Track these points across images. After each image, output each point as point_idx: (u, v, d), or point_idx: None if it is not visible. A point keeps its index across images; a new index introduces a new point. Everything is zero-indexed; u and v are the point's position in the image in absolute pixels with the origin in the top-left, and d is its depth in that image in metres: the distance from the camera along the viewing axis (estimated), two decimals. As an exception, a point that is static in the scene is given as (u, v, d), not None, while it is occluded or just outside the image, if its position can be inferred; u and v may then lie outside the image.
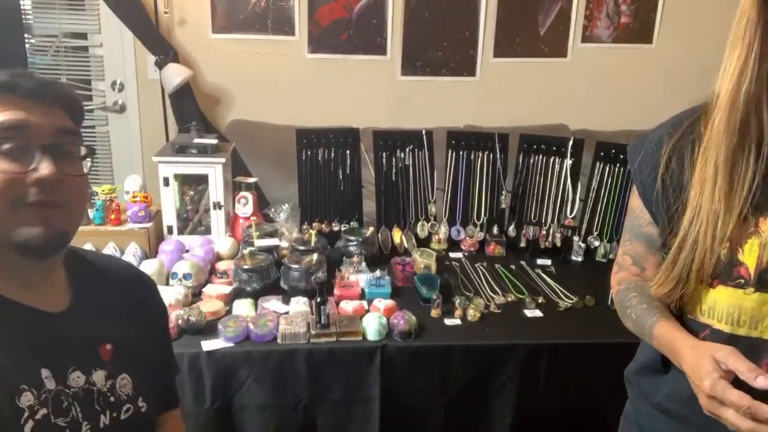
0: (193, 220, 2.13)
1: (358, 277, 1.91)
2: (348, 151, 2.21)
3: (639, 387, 1.18)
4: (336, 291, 1.84)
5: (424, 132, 2.24)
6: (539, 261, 2.17)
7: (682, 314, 1.06)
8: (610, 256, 2.16)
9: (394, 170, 2.24)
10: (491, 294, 1.91)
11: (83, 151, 0.90)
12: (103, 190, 2.01)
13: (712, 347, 0.92)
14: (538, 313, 1.83)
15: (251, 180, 2.19)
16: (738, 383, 0.86)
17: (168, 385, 1.13)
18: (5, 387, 0.80)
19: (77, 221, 0.92)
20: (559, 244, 2.21)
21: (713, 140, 0.97)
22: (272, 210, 2.14)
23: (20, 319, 0.85)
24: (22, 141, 0.83)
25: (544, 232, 2.22)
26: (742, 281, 0.96)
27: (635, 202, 1.13)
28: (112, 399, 0.91)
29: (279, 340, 1.62)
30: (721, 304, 0.99)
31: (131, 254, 1.92)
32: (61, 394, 0.85)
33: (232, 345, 1.61)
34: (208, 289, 1.83)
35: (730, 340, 0.97)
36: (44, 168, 0.82)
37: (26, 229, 0.82)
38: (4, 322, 0.84)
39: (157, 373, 1.04)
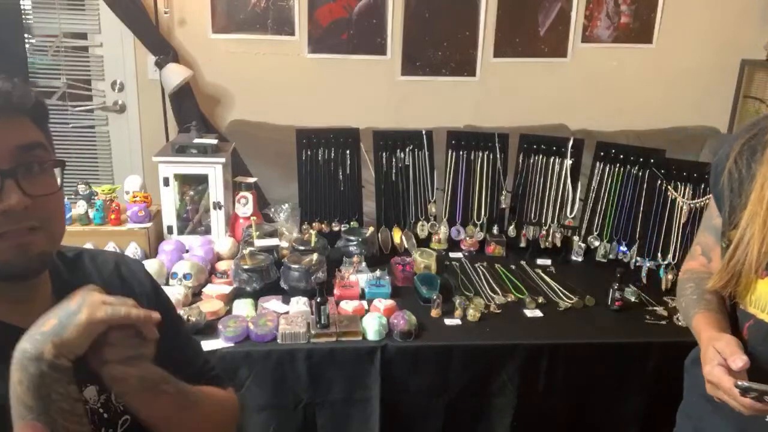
0: (193, 220, 2.13)
1: (358, 277, 1.91)
2: (348, 151, 2.21)
3: (694, 376, 1.21)
4: (336, 291, 1.84)
5: (424, 132, 2.24)
6: (539, 261, 2.16)
7: (737, 303, 1.09)
8: (610, 256, 2.16)
9: (394, 170, 2.24)
10: (491, 294, 1.91)
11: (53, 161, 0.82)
12: (103, 190, 2.01)
13: (717, 338, 0.98)
14: (538, 313, 1.83)
15: (251, 180, 2.19)
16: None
17: (192, 374, 0.98)
18: None
19: (57, 238, 0.85)
20: (559, 244, 2.21)
21: None
22: (272, 210, 2.14)
23: (4, 339, 0.77)
24: None
25: (544, 232, 2.22)
26: None
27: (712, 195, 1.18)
28: (106, 415, 0.86)
29: (279, 340, 1.62)
30: (765, 294, 1.01)
31: (131, 254, 1.92)
32: None
33: (232, 345, 1.61)
34: (208, 289, 1.83)
35: (764, 328, 1.01)
36: (8, 197, 0.75)
37: (1, 261, 0.76)
38: None
39: (165, 366, 0.94)
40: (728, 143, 1.11)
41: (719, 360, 0.96)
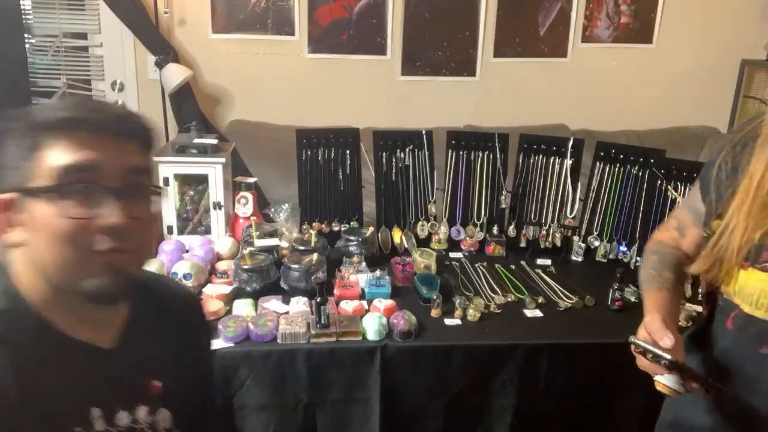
0: (193, 220, 2.13)
1: (358, 277, 1.91)
2: (348, 151, 2.21)
3: None
4: (336, 291, 1.84)
5: (424, 132, 2.24)
6: (539, 261, 2.16)
7: (720, 293, 1.10)
8: (610, 256, 2.16)
9: (394, 170, 2.24)
10: (491, 294, 1.91)
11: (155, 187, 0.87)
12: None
13: (650, 316, 1.04)
14: (538, 313, 1.83)
15: (251, 180, 2.19)
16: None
17: (204, 411, 1.07)
18: (59, 427, 0.78)
19: (143, 264, 0.89)
20: (559, 244, 2.21)
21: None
22: (272, 210, 2.14)
23: (76, 354, 0.83)
24: (90, 184, 0.78)
25: (544, 232, 2.22)
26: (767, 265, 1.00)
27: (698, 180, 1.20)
28: None
29: (279, 340, 1.62)
30: (748, 285, 1.03)
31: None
32: None
33: (232, 345, 1.60)
34: (208, 289, 1.83)
35: (747, 319, 1.04)
36: (112, 214, 0.78)
37: (93, 278, 0.79)
38: (59, 357, 0.81)
39: (197, 402, 1.01)
40: (727, 136, 1.13)
41: (643, 334, 1.03)
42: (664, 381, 1.00)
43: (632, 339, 1.02)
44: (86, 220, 0.78)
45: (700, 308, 1.77)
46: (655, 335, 1.00)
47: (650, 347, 0.99)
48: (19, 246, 0.80)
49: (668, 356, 0.96)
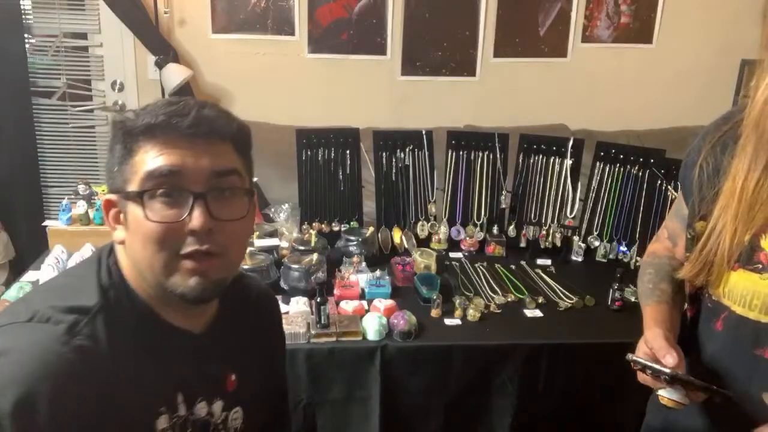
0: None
1: (358, 277, 1.91)
2: (348, 151, 2.21)
3: None
4: (336, 291, 1.84)
5: (424, 132, 2.24)
6: (539, 261, 2.16)
7: (708, 295, 1.10)
8: (610, 256, 2.16)
9: (394, 170, 2.24)
10: (491, 294, 1.91)
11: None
12: (104, 190, 2.01)
13: (648, 330, 1.06)
14: (538, 313, 1.83)
15: (251, 180, 2.18)
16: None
17: (280, 412, 1.14)
18: (148, 409, 0.81)
19: (235, 266, 0.89)
20: (559, 244, 2.21)
21: (749, 128, 1.01)
22: (272, 210, 2.14)
23: (172, 339, 0.86)
24: (176, 187, 0.80)
25: (544, 232, 2.22)
26: (760, 266, 0.99)
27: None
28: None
29: (279, 340, 1.62)
30: (739, 287, 1.02)
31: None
32: (187, 422, 0.86)
33: (232, 345, 1.60)
34: (208, 289, 1.82)
35: (740, 321, 1.02)
36: (195, 218, 0.79)
37: (181, 281, 0.81)
38: (159, 341, 0.84)
39: (270, 403, 1.05)
40: (701, 137, 1.12)
41: (645, 350, 1.05)
42: (668, 395, 1.00)
43: (630, 357, 1.03)
44: (172, 224, 0.79)
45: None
46: (657, 353, 1.01)
47: (649, 363, 0.99)
48: (122, 243, 0.84)
49: (668, 370, 0.96)
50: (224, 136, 0.85)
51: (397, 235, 2.21)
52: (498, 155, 2.23)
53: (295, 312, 1.71)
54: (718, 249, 1.02)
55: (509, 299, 1.89)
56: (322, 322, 1.65)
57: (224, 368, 0.92)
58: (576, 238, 2.21)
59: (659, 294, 1.17)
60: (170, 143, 0.80)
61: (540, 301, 1.88)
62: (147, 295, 0.85)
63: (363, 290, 1.88)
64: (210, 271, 0.82)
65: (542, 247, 2.21)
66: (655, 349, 1.02)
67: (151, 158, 0.80)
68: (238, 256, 0.89)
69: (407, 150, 2.23)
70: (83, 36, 3.36)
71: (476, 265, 2.11)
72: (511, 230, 2.24)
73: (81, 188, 2.05)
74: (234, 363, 0.94)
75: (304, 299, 1.78)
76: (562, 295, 1.92)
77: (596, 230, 2.19)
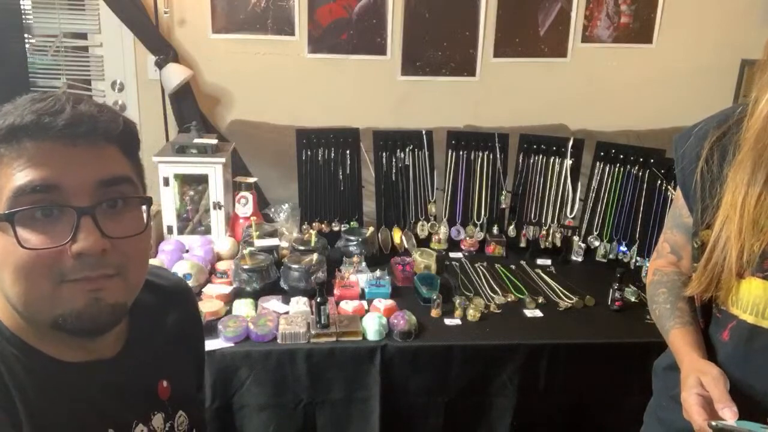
0: (193, 220, 2.13)
1: (358, 277, 1.91)
2: (348, 151, 2.21)
3: (663, 380, 1.21)
4: (336, 291, 1.84)
5: (424, 132, 2.24)
6: (539, 261, 2.16)
7: (716, 305, 1.07)
8: (610, 256, 2.16)
9: (394, 170, 2.24)
10: (491, 294, 1.91)
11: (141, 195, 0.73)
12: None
13: (705, 367, 0.97)
14: (538, 313, 1.83)
15: (251, 180, 2.19)
16: None
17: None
18: None
19: (135, 289, 0.74)
20: (559, 244, 2.21)
21: (749, 143, 0.97)
22: (272, 210, 2.14)
23: (77, 377, 0.73)
24: (55, 204, 0.66)
25: (544, 232, 2.22)
26: None
27: (679, 192, 1.16)
28: None
29: (279, 340, 1.62)
30: (749, 294, 0.99)
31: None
32: None
33: (232, 345, 1.61)
34: (208, 289, 1.83)
35: (752, 331, 0.99)
36: (82, 239, 0.65)
37: (70, 311, 0.67)
38: (56, 383, 0.71)
39: (200, 400, 0.97)
40: (695, 139, 1.08)
41: (699, 390, 0.94)
42: None
43: (713, 424, 0.90)
44: (51, 250, 0.65)
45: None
46: (717, 403, 0.92)
47: (736, 427, 0.89)
48: None
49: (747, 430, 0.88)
50: (110, 136, 0.69)
51: (397, 235, 2.21)
52: (498, 155, 2.23)
53: (295, 312, 1.71)
54: (725, 263, 0.98)
55: (509, 299, 1.89)
56: (322, 322, 1.65)
57: (152, 379, 0.82)
58: (576, 238, 2.21)
59: (680, 314, 1.11)
60: (43, 149, 0.65)
61: (540, 301, 1.88)
62: (27, 335, 0.70)
63: (363, 290, 1.88)
64: (105, 295, 0.68)
65: (542, 247, 2.21)
66: (715, 397, 0.92)
67: (19, 170, 0.64)
68: (139, 278, 0.74)
69: (407, 150, 2.23)
70: (83, 36, 3.36)
71: (476, 265, 2.11)
72: (511, 230, 2.24)
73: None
74: (162, 369, 0.84)
75: (304, 299, 1.78)
76: (562, 295, 1.92)
77: (596, 230, 2.19)
